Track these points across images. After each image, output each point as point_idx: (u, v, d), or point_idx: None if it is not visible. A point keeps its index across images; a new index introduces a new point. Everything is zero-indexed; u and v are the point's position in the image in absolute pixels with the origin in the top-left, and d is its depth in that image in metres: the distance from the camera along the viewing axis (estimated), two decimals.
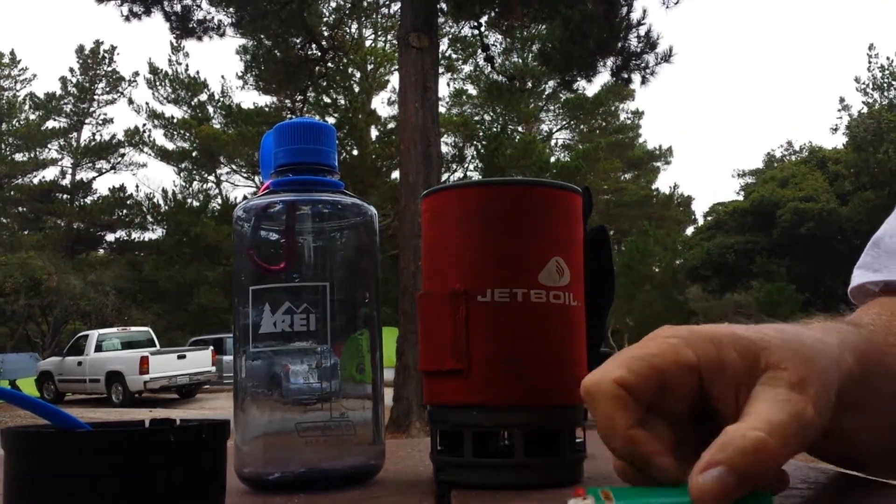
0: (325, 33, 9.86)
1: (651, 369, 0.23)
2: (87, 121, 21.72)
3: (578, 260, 0.35)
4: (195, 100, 17.47)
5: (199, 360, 10.15)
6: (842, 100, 17.91)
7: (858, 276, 0.39)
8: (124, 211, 20.00)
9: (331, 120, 12.95)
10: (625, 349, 0.24)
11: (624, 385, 0.23)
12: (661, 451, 0.22)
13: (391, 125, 14.07)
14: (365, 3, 11.94)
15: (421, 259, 0.36)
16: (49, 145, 21.36)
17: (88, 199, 21.01)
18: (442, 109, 10.23)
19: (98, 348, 10.41)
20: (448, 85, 16.75)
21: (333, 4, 10.63)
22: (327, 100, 13.81)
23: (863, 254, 0.39)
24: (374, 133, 14.25)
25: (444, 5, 6.31)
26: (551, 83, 12.75)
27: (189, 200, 17.53)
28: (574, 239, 0.35)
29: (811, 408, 0.21)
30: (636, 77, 6.26)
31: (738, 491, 0.20)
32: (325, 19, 10.52)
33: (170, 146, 18.15)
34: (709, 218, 16.63)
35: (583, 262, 0.35)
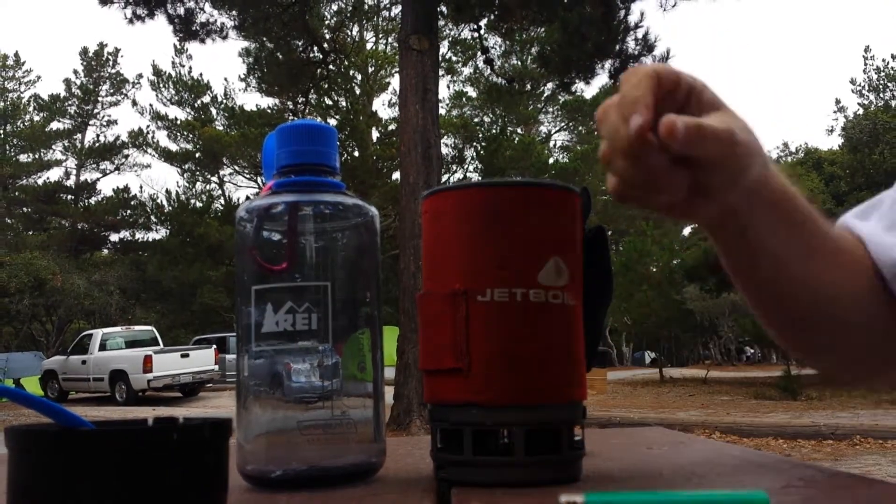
0: (327, 36, 9.87)
1: (673, 75, 0.31)
2: (91, 122, 21.78)
3: (577, 260, 0.35)
4: (198, 102, 17.51)
5: (202, 359, 10.16)
6: (838, 101, 17.85)
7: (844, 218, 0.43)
8: (128, 211, 20.05)
9: (332, 122, 12.97)
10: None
11: (658, 72, 0.31)
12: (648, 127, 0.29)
13: (392, 127, 14.08)
14: (366, 6, 11.94)
15: (421, 259, 0.36)
16: (53, 146, 21.43)
17: (92, 200, 21.07)
18: (442, 111, 10.23)
19: (102, 347, 10.43)
20: (448, 87, 16.76)
21: (335, 7, 10.65)
22: (329, 102, 13.82)
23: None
24: (374, 134, 14.26)
25: (444, 8, 6.32)
26: (550, 85, 12.74)
27: (192, 201, 17.58)
28: (573, 239, 0.35)
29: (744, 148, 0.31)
30: None
31: (697, 142, 0.29)
32: (326, 22, 10.54)
33: (173, 147, 18.20)
34: None
35: (582, 262, 0.35)
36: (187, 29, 7.75)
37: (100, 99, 21.64)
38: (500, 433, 0.34)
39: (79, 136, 21.61)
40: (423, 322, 0.35)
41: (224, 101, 17.10)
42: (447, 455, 0.34)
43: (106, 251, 21.18)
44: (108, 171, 21.65)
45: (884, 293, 0.38)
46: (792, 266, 0.37)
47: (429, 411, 0.35)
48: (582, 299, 0.35)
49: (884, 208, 0.40)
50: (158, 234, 19.21)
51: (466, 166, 15.64)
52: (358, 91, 14.45)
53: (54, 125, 21.45)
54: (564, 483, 0.33)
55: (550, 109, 17.87)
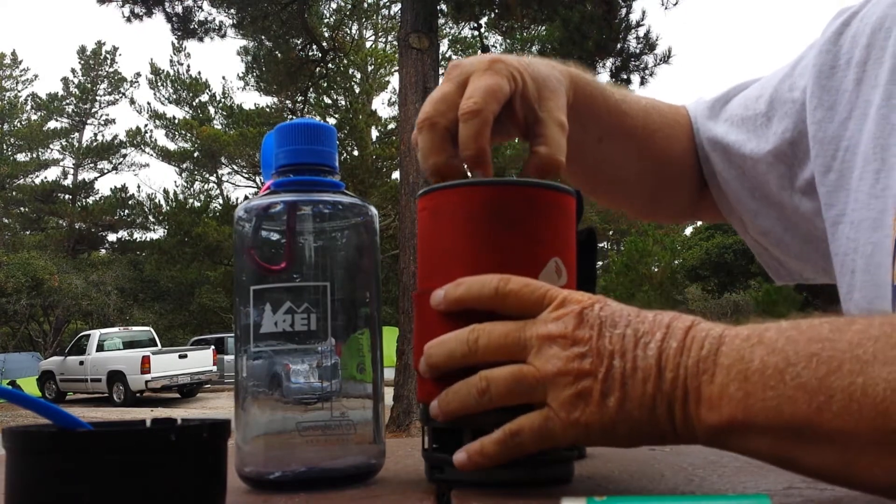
0: (326, 34, 9.87)
1: (504, 97, 0.35)
2: (88, 121, 21.77)
3: (573, 261, 0.35)
4: (196, 100, 17.49)
5: (200, 360, 10.16)
6: None
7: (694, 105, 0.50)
8: (126, 211, 20.03)
9: (331, 120, 12.98)
10: (480, 79, 0.35)
11: (493, 113, 0.35)
12: (490, 163, 0.35)
13: (391, 126, 14.08)
14: (365, 5, 11.95)
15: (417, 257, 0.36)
16: (51, 146, 21.41)
17: (90, 200, 21.06)
18: None
19: (100, 348, 10.42)
20: None
21: (334, 5, 10.65)
22: (328, 100, 13.83)
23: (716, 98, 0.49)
24: (374, 134, 14.26)
25: (444, 6, 6.31)
26: None
27: (190, 201, 17.56)
28: (570, 240, 0.35)
29: (566, 120, 0.37)
30: (635, 78, 6.27)
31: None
32: (325, 20, 10.53)
33: (171, 147, 18.19)
34: None
35: (575, 264, 0.35)
36: (185, 27, 7.74)
37: (97, 98, 21.63)
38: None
39: (76, 135, 21.59)
40: (420, 321, 0.35)
41: (222, 99, 17.09)
42: (444, 455, 0.33)
43: (103, 251, 21.18)
44: (105, 171, 21.65)
45: (697, 158, 0.49)
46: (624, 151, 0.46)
47: (422, 411, 0.35)
48: None
49: (731, 105, 0.47)
50: (156, 233, 19.20)
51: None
52: (357, 90, 14.44)
53: (52, 124, 21.43)
54: (559, 483, 0.32)
55: None
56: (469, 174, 0.35)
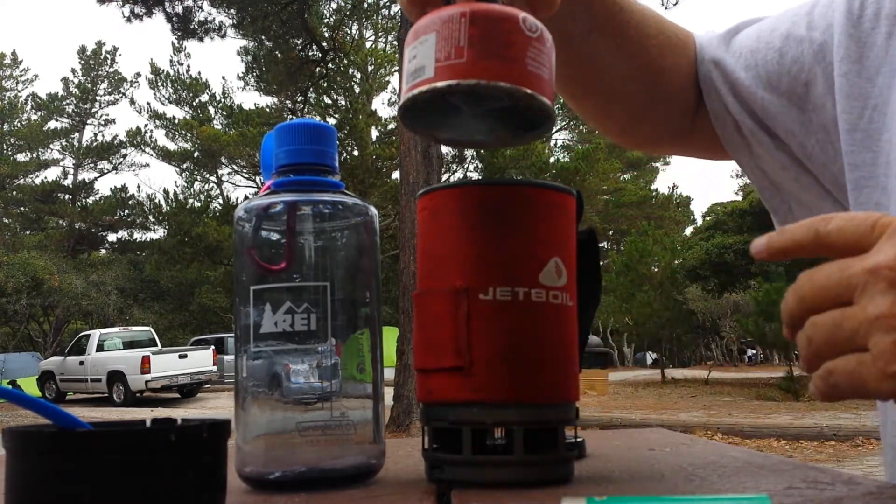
0: (326, 34, 9.87)
1: None
2: (88, 121, 21.78)
3: (573, 261, 0.35)
4: (196, 100, 17.50)
5: (200, 360, 10.16)
6: None
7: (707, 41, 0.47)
8: (126, 211, 20.04)
9: (331, 120, 12.97)
10: None
11: None
12: None
13: (391, 126, 14.08)
14: (365, 5, 11.95)
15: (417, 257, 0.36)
16: (51, 146, 21.42)
17: (90, 200, 21.07)
18: None
19: (100, 348, 10.42)
20: None
21: (334, 6, 10.64)
22: (328, 100, 13.83)
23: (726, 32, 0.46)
24: (374, 133, 14.26)
25: None
26: None
27: (190, 201, 17.57)
28: (569, 240, 0.35)
29: None
30: None
31: None
32: (325, 20, 10.53)
33: (171, 147, 18.20)
34: (707, 218, 16.63)
35: (576, 264, 0.35)
36: (185, 27, 7.74)
37: (98, 98, 21.64)
38: (497, 432, 0.34)
39: (76, 135, 21.60)
40: (421, 320, 0.35)
41: (222, 99, 17.09)
42: (444, 455, 0.34)
43: (103, 251, 21.18)
44: (105, 171, 21.66)
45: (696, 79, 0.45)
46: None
47: (422, 410, 0.35)
48: (577, 300, 0.35)
49: (740, 36, 0.44)
50: (156, 233, 19.21)
51: (467, 165, 15.66)
52: (357, 90, 14.45)
53: (52, 124, 21.44)
54: (559, 483, 0.32)
55: None
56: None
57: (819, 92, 0.40)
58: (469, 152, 15.23)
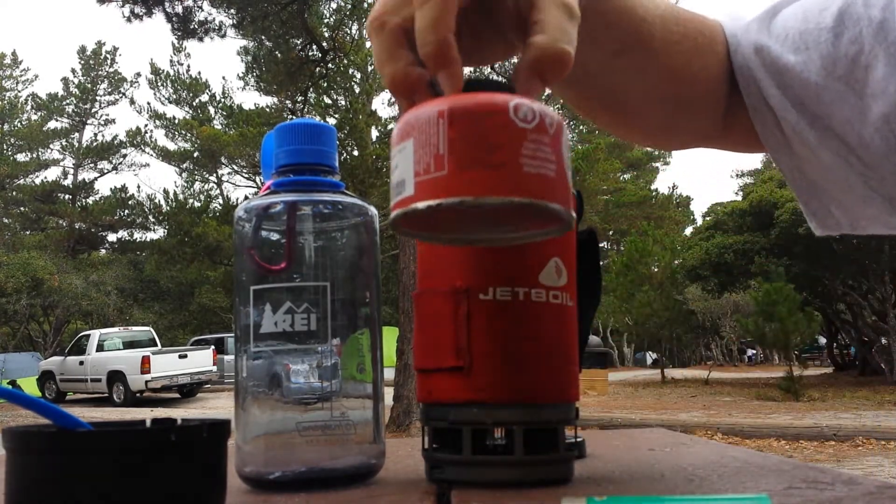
0: (326, 34, 9.87)
1: None
2: (88, 121, 21.78)
3: (573, 261, 0.35)
4: (196, 100, 17.50)
5: (200, 360, 10.16)
6: None
7: (742, 27, 0.41)
8: (126, 211, 20.04)
9: (331, 120, 12.98)
10: None
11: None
12: (460, 63, 0.26)
13: (391, 126, 14.04)
14: (365, 5, 11.94)
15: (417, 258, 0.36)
16: (51, 146, 21.42)
17: (90, 200, 21.07)
18: None
19: (99, 348, 10.42)
20: None
21: (334, 5, 10.64)
22: (328, 100, 13.83)
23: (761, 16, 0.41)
24: (374, 133, 14.26)
25: None
26: None
27: (190, 201, 17.57)
28: (569, 241, 0.35)
29: (577, 6, 0.27)
30: None
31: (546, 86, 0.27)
32: (325, 20, 10.53)
33: (171, 147, 18.20)
34: (707, 218, 16.62)
35: (575, 264, 0.35)
36: (185, 27, 7.75)
37: (98, 98, 21.63)
38: (497, 432, 0.34)
39: (76, 135, 21.60)
40: (421, 320, 0.35)
41: (222, 99, 17.09)
42: (444, 455, 0.33)
43: (103, 251, 21.18)
44: (105, 171, 21.66)
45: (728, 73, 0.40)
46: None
47: (422, 410, 0.35)
48: (577, 300, 0.35)
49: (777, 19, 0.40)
50: (156, 233, 19.21)
51: None
52: (357, 90, 14.44)
53: (52, 124, 21.44)
54: (559, 484, 0.32)
55: (551, 108, 17.91)
56: (436, 87, 0.26)
57: (880, 75, 0.35)
58: None
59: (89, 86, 21.60)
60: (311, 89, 10.63)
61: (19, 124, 21.37)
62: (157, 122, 17.85)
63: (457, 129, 0.24)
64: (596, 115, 0.41)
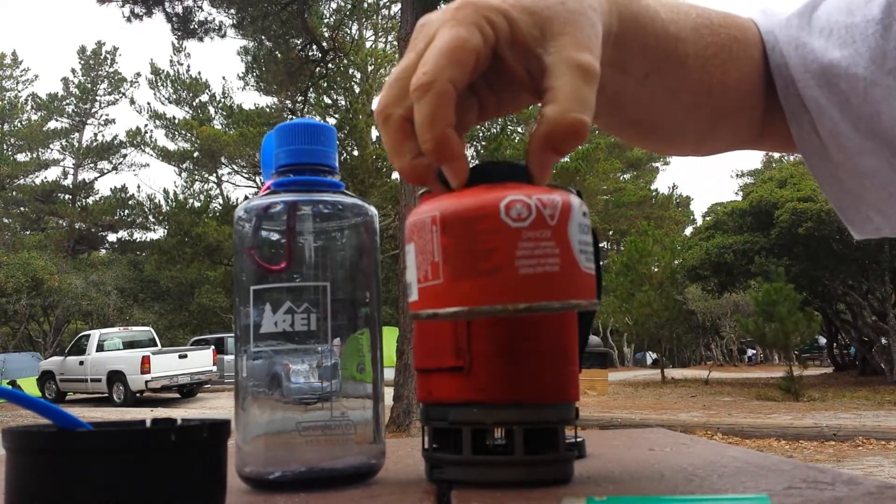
0: (326, 34, 9.87)
1: (471, 56, 0.25)
2: (88, 121, 21.79)
3: None
4: (196, 100, 17.51)
5: (200, 360, 10.16)
6: None
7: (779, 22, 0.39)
8: (126, 211, 20.05)
9: (331, 121, 12.98)
10: (437, 38, 0.26)
11: (455, 82, 0.25)
12: (462, 156, 0.25)
13: None
14: (365, 5, 11.95)
15: None
16: (51, 146, 21.43)
17: (90, 200, 21.07)
18: None
19: (99, 348, 10.42)
20: None
21: (334, 5, 10.64)
22: (328, 100, 13.83)
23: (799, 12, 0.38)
24: (374, 134, 14.24)
25: (444, 6, 6.31)
26: None
27: (190, 201, 17.56)
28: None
29: (597, 62, 0.26)
30: None
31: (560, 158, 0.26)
32: (325, 20, 10.53)
33: (171, 147, 18.21)
34: (707, 218, 16.63)
35: None
36: (185, 27, 7.75)
37: (98, 98, 21.64)
38: (497, 432, 0.34)
39: (76, 135, 21.61)
40: (420, 321, 0.35)
41: (222, 99, 17.09)
42: (444, 455, 0.33)
43: (103, 251, 21.18)
44: (105, 171, 21.66)
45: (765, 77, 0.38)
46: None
47: (422, 410, 0.35)
48: None
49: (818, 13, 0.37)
50: (156, 233, 19.21)
51: None
52: (357, 90, 14.43)
53: (52, 124, 21.44)
54: (559, 484, 0.32)
55: None
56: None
57: None
58: (468, 151, 15.17)
59: (89, 86, 21.60)
60: (311, 89, 10.63)
61: (19, 124, 21.37)
62: (157, 122, 17.86)
63: (448, 236, 0.23)
64: (629, 139, 0.39)
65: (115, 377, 9.79)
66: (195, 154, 17.53)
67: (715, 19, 0.37)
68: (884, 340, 10.64)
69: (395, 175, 11.91)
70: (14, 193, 19.91)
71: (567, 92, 0.25)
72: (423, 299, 0.24)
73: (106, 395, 10.01)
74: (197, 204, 17.34)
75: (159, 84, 17.54)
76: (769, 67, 0.38)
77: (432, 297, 0.24)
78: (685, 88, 0.36)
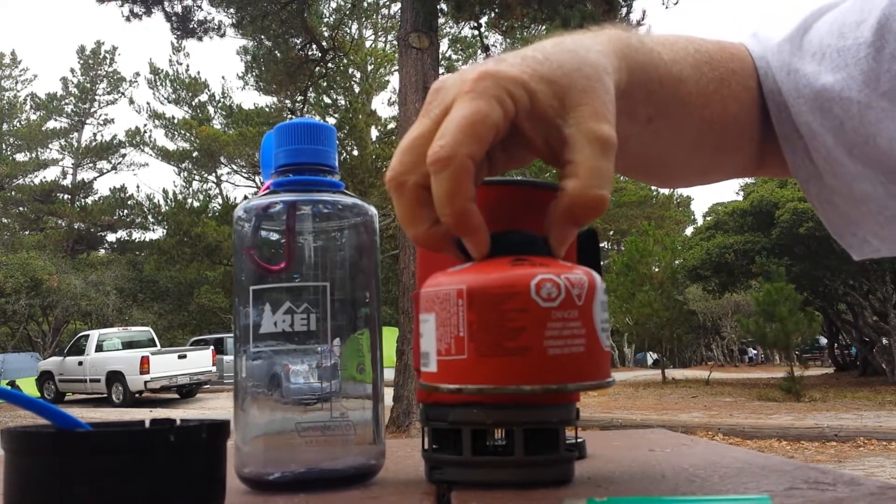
0: (326, 34, 9.87)
1: (491, 131, 0.25)
2: (87, 121, 21.78)
3: (573, 261, 0.35)
4: (196, 100, 17.51)
5: (199, 360, 10.15)
6: None
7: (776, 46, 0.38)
8: (125, 211, 20.04)
9: (331, 120, 12.98)
10: (455, 109, 0.26)
11: (474, 157, 0.25)
12: (483, 229, 0.26)
13: (391, 125, 14.08)
14: (365, 4, 11.96)
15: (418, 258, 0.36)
16: (50, 145, 21.42)
17: (89, 200, 21.07)
18: None
19: (99, 348, 10.42)
20: None
21: (333, 5, 10.65)
22: (327, 100, 13.82)
23: (790, 34, 0.38)
24: (374, 133, 14.25)
25: (444, 6, 6.32)
26: None
27: (190, 200, 17.56)
28: (571, 241, 0.35)
29: (613, 132, 0.26)
30: None
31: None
32: (325, 20, 10.54)
33: (170, 146, 18.21)
34: (708, 218, 16.65)
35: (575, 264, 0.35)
36: (184, 26, 7.75)
37: (97, 97, 21.63)
38: (497, 433, 0.34)
39: (75, 135, 21.60)
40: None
41: (222, 99, 17.10)
42: (444, 455, 0.33)
43: (103, 251, 21.17)
44: (104, 171, 21.66)
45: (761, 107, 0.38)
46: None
47: (422, 411, 0.35)
48: None
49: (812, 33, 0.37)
50: (155, 233, 19.20)
51: None
52: (357, 89, 14.44)
53: (51, 124, 21.44)
54: (559, 484, 0.32)
55: None
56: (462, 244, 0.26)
57: None
58: None
59: (88, 85, 21.59)
60: (311, 89, 10.63)
61: (18, 124, 21.37)
62: (157, 122, 17.86)
63: (476, 312, 0.23)
64: (633, 176, 0.39)
65: (114, 377, 9.78)
66: (194, 154, 17.53)
67: (713, 53, 0.37)
68: (885, 341, 10.65)
69: None
70: (13, 193, 19.90)
71: (587, 168, 0.25)
72: (444, 372, 0.24)
73: (105, 395, 10.01)
74: (196, 204, 17.33)
75: (158, 84, 17.54)
76: (764, 94, 0.38)
77: (457, 372, 0.23)
78: (688, 126, 0.36)
